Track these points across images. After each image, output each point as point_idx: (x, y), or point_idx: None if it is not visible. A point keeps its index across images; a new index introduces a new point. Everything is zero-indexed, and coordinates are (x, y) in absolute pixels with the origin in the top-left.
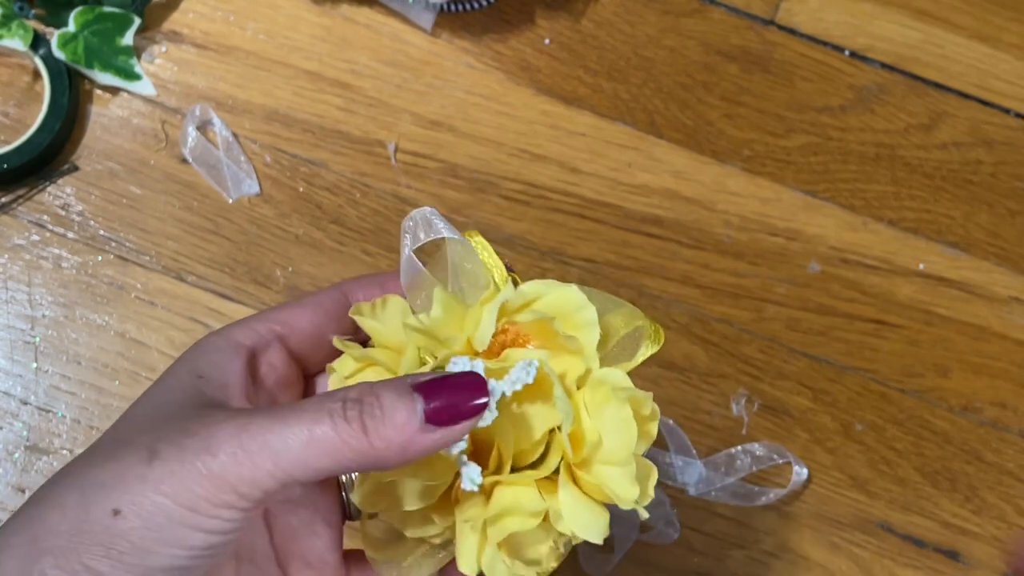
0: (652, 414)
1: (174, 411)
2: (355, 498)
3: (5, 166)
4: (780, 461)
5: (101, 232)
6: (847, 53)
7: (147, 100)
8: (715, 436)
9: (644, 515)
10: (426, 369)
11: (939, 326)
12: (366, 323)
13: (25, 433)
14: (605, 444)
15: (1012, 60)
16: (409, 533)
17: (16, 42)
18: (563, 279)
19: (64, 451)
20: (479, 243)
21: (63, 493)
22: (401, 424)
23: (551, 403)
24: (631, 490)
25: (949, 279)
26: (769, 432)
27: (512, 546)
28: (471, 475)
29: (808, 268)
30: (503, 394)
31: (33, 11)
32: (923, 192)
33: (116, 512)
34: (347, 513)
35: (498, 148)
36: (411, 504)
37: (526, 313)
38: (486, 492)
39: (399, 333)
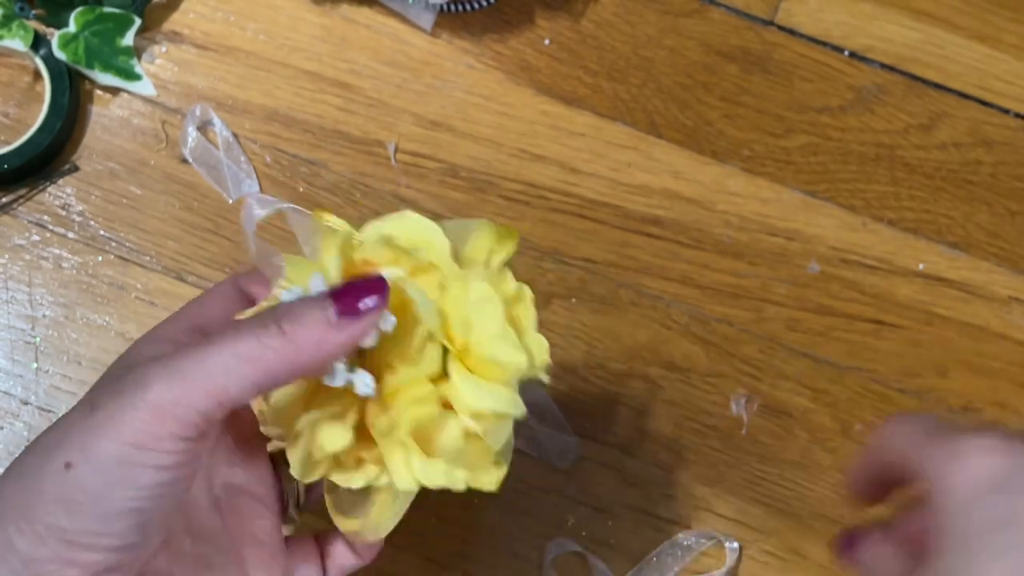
0: (519, 294)
1: (114, 372)
2: (293, 471)
3: (5, 166)
4: (709, 544)
5: (101, 232)
6: (847, 53)
7: (147, 100)
8: (715, 436)
9: (545, 378)
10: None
11: (939, 326)
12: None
13: (25, 433)
14: (475, 324)
15: (1012, 60)
16: (352, 482)
17: (16, 42)
18: (563, 279)
19: None
20: (324, 217)
21: (21, 463)
22: (315, 321)
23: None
24: (516, 355)
25: (949, 279)
26: (769, 432)
27: (431, 444)
28: (364, 380)
29: (808, 268)
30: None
31: (33, 11)
32: (923, 192)
33: (67, 465)
34: (285, 504)
35: (498, 148)
36: (333, 443)
37: (373, 243)
38: (386, 404)
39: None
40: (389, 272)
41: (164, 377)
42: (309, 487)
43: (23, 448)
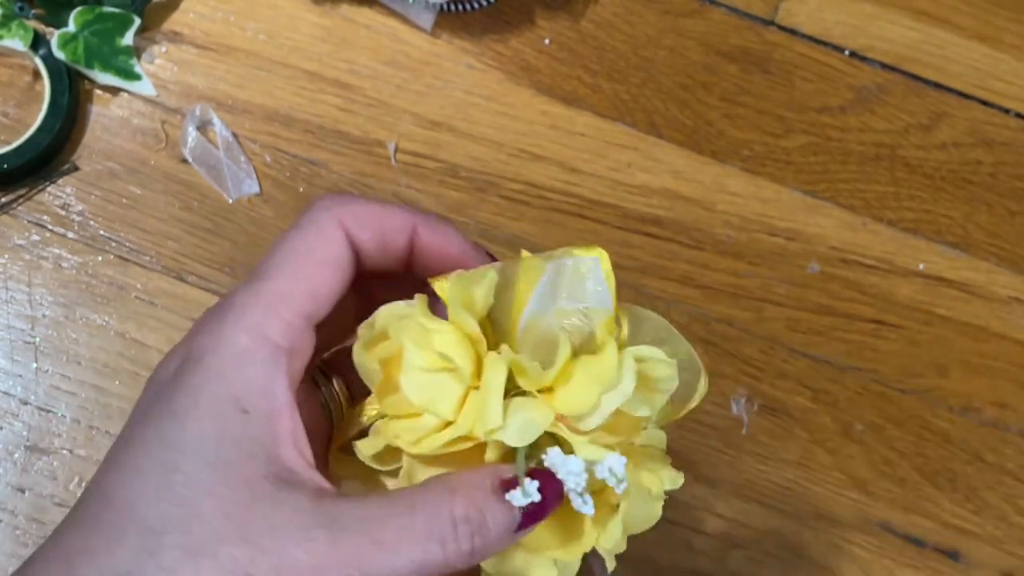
0: (658, 495)
1: (245, 497)
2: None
3: (5, 166)
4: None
5: (101, 232)
6: (847, 53)
7: (147, 100)
8: (715, 436)
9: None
10: (526, 440)
11: (939, 326)
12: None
13: (25, 433)
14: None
15: (1012, 60)
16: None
17: (16, 42)
18: None
19: (64, 451)
20: (608, 273)
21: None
22: (503, 536)
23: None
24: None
25: (949, 279)
26: (769, 432)
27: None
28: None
29: (808, 268)
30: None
31: (33, 11)
32: (923, 192)
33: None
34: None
35: (498, 148)
36: None
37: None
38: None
39: (468, 328)
40: (618, 455)
41: (331, 567)
42: None
43: (56, 468)
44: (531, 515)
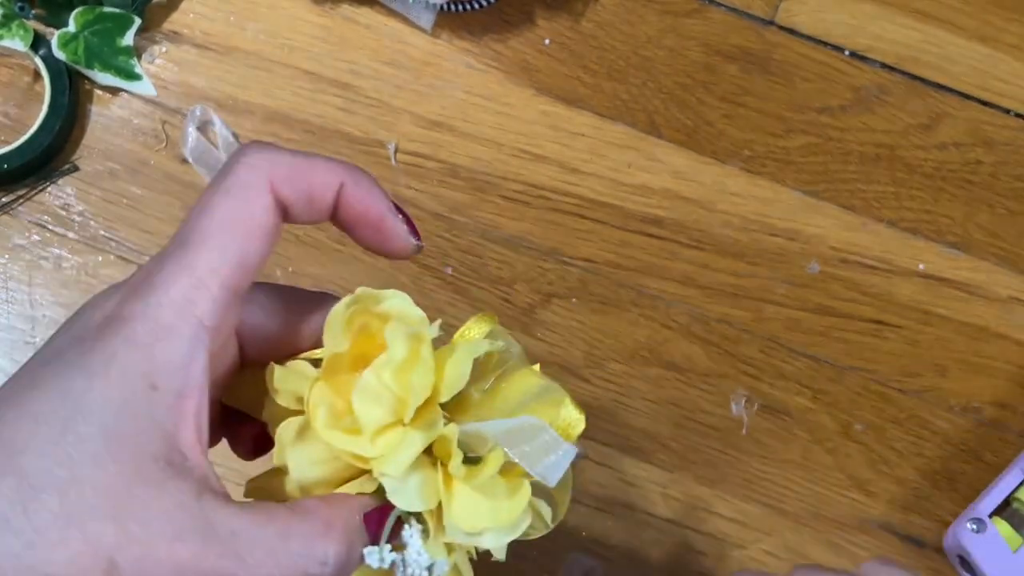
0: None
1: (130, 474)
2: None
3: (5, 166)
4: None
5: (102, 232)
6: (847, 53)
7: (147, 100)
8: (715, 436)
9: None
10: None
11: (938, 326)
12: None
13: None
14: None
15: (1012, 61)
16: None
17: (16, 42)
18: (563, 279)
19: None
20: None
21: (5, 557)
22: (354, 563)
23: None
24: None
25: (949, 279)
26: (769, 432)
27: None
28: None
29: (808, 268)
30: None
31: (33, 11)
32: (923, 192)
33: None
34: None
35: (498, 148)
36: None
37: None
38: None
39: (451, 381)
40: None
41: (193, 573)
42: None
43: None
44: (371, 532)
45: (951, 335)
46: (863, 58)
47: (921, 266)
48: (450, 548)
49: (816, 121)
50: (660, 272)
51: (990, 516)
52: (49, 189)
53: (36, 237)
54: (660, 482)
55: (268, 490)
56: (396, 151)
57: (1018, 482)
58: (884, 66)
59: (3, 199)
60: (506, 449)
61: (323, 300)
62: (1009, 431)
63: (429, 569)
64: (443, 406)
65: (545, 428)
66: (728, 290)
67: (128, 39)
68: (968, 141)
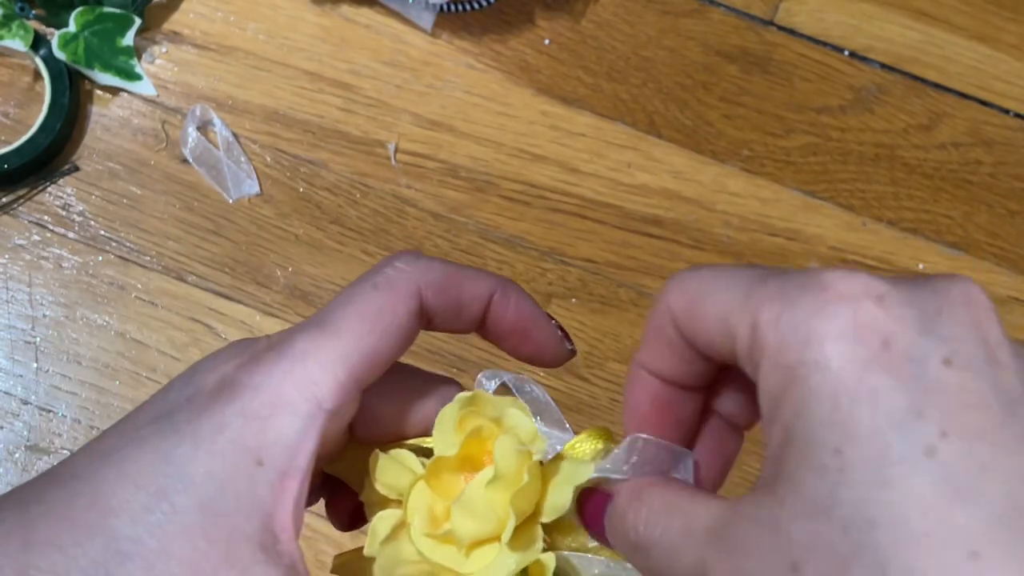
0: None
1: (222, 556)
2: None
3: (6, 166)
4: None
5: (102, 232)
6: (847, 53)
7: (147, 100)
8: None
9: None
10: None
11: None
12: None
13: (26, 433)
14: None
15: (1011, 60)
16: None
17: (17, 42)
18: (563, 279)
19: (64, 451)
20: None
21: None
22: None
23: None
24: None
25: None
26: None
27: None
28: None
29: (808, 268)
30: None
31: (34, 11)
32: (922, 192)
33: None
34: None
35: (498, 148)
36: None
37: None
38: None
39: (554, 508)
40: None
41: None
42: None
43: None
44: None
45: None
46: (862, 58)
47: (921, 266)
48: None
49: (816, 121)
50: (660, 272)
51: None
52: (49, 189)
53: (36, 237)
54: None
55: (354, 571)
56: (396, 151)
57: None
58: (883, 66)
59: (3, 199)
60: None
61: (439, 386)
62: None
63: None
64: (544, 526)
65: None
66: None
67: (128, 39)
68: (968, 141)
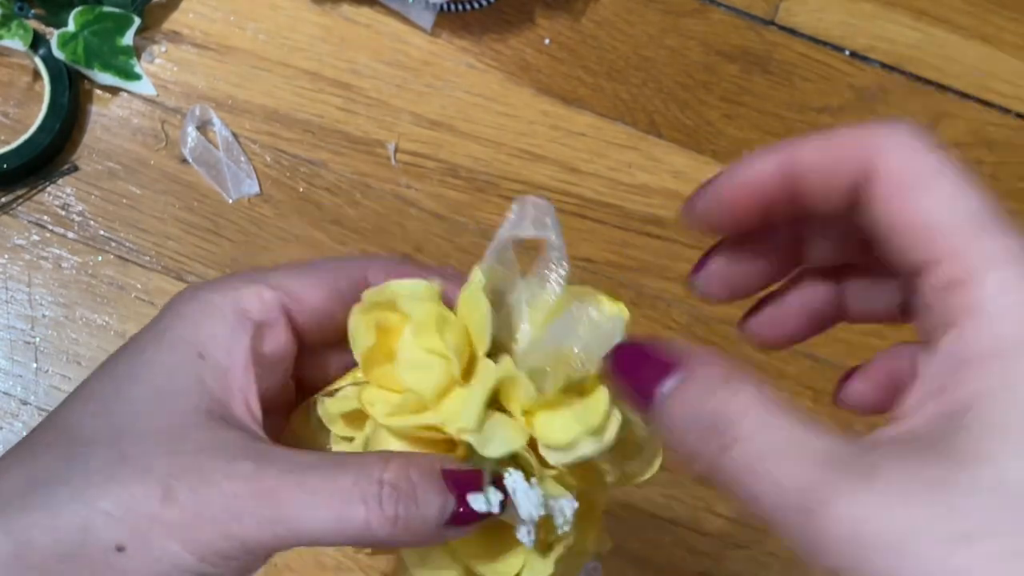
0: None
1: (181, 420)
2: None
3: (5, 166)
4: None
5: (101, 232)
6: (847, 53)
7: (147, 100)
8: None
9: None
10: (495, 452)
11: None
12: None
13: (25, 433)
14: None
15: (1013, 60)
16: None
17: (16, 42)
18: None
19: None
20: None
21: (58, 506)
22: (428, 520)
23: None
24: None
25: None
26: None
27: None
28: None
29: None
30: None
31: (33, 11)
32: None
33: (119, 548)
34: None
35: (498, 148)
36: None
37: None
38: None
39: (479, 337)
40: (572, 498)
41: (257, 516)
42: None
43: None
44: (465, 516)
45: None
46: (863, 58)
47: None
48: (567, 486)
49: (816, 121)
50: (660, 272)
51: None
52: (48, 189)
53: (36, 237)
54: (660, 482)
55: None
56: (396, 151)
57: None
58: (884, 66)
59: (3, 199)
60: (561, 347)
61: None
62: None
63: (549, 508)
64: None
65: (584, 308)
66: None
67: (128, 39)
68: (969, 141)
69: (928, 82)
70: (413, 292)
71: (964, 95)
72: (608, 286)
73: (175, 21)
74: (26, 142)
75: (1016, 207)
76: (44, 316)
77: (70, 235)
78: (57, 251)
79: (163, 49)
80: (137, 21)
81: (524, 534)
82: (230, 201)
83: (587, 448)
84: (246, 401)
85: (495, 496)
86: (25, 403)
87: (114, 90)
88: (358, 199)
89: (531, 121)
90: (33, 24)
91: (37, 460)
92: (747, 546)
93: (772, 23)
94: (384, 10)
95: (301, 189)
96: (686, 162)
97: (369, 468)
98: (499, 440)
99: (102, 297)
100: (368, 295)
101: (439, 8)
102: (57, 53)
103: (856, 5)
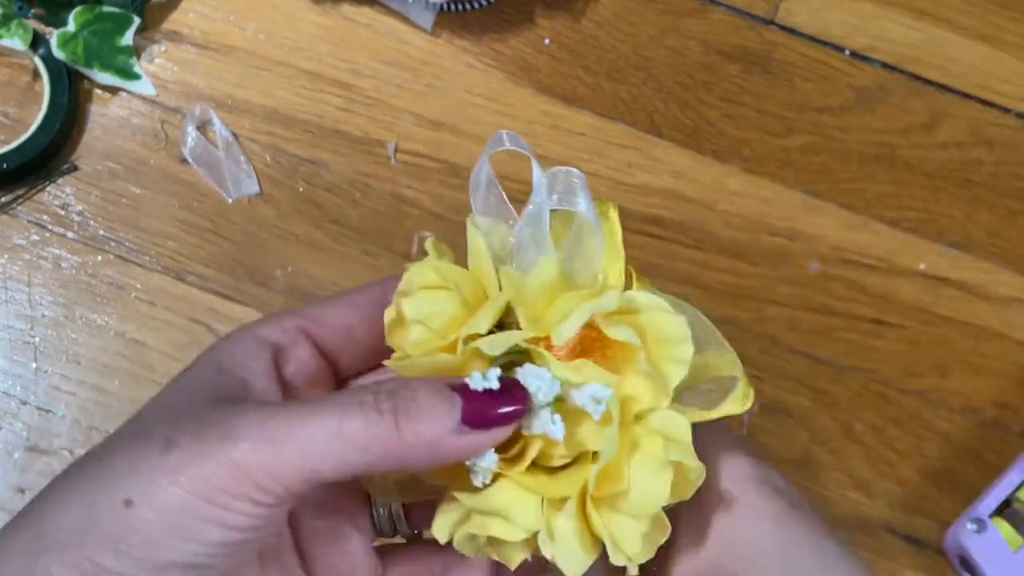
0: (696, 480)
1: (191, 404)
2: (441, 536)
3: (5, 166)
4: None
5: (101, 232)
6: (847, 53)
7: (147, 100)
8: None
9: (633, 572)
10: (499, 348)
11: (939, 326)
12: (476, 233)
13: (25, 433)
14: (631, 495)
15: (1012, 60)
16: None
17: (16, 42)
18: None
19: (64, 451)
20: (612, 223)
21: (71, 487)
22: (435, 421)
23: (598, 429)
24: (635, 547)
25: (949, 279)
26: (769, 432)
27: (489, 542)
28: (485, 465)
29: (808, 268)
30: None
31: (33, 11)
32: (923, 192)
33: (127, 503)
34: (377, 528)
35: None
36: (526, 524)
37: (621, 328)
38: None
39: (485, 273)
40: (609, 376)
41: (256, 436)
42: (407, 507)
43: (71, 461)
44: (479, 415)
45: (952, 335)
46: (863, 57)
47: (922, 266)
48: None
49: (816, 121)
50: (660, 272)
51: (991, 516)
52: (48, 189)
53: (35, 237)
54: None
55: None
56: (396, 151)
57: (1019, 482)
58: (884, 65)
59: (2, 199)
60: (549, 206)
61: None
62: (1009, 431)
63: (572, 397)
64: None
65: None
66: (729, 290)
67: (128, 39)
68: (969, 140)
69: (928, 82)
70: (420, 269)
71: (964, 95)
72: None
73: (175, 21)
74: (26, 142)
75: (1016, 207)
76: (44, 316)
77: (70, 235)
78: (57, 251)
79: (163, 49)
80: (137, 21)
81: (549, 423)
82: (230, 201)
83: (585, 312)
84: (268, 382)
85: (492, 373)
86: (25, 403)
87: (114, 90)
88: (358, 199)
89: (531, 121)
90: (33, 24)
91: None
92: None
93: (772, 23)
94: (384, 10)
95: (301, 189)
96: (686, 162)
97: (362, 388)
98: (502, 338)
99: (102, 297)
100: (395, 295)
101: (439, 8)
102: (57, 53)
103: (856, 5)
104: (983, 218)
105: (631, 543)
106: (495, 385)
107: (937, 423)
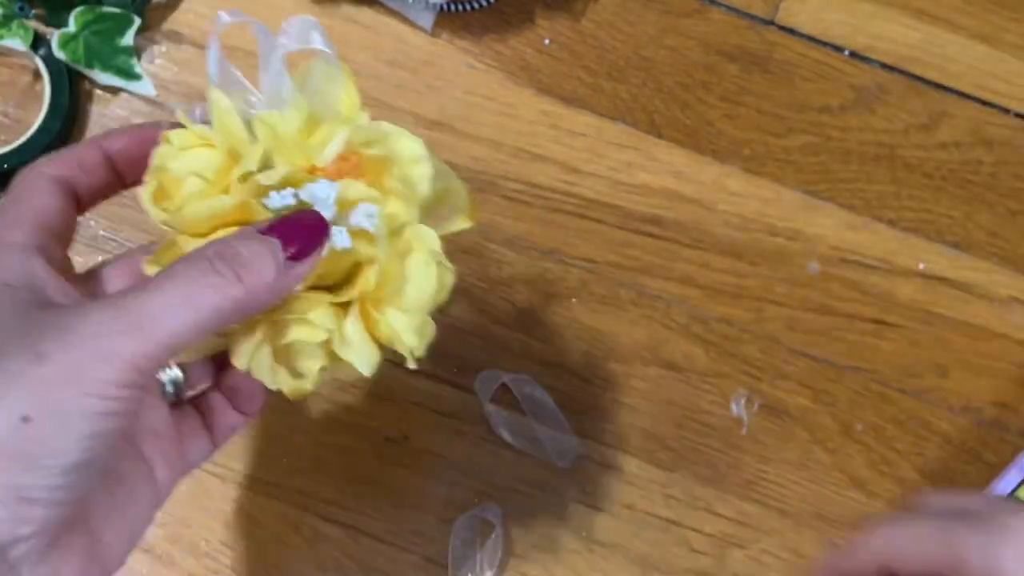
0: (449, 283)
1: (15, 317)
2: (240, 364)
3: (5, 166)
4: None
5: (101, 232)
6: (847, 53)
7: (147, 100)
8: (715, 436)
9: (412, 365)
10: (274, 178)
11: (939, 326)
12: (218, 93)
13: None
14: (406, 292)
15: (1012, 60)
16: (311, 337)
17: (16, 42)
18: (563, 279)
19: None
20: (347, 72)
21: None
22: (267, 264)
23: (371, 240)
24: (413, 339)
25: (949, 279)
26: (769, 432)
27: (286, 355)
28: (343, 236)
29: (808, 268)
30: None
31: (33, 11)
32: (923, 192)
33: (25, 419)
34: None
35: (498, 148)
36: (312, 336)
37: (376, 147)
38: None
39: (237, 128)
40: (371, 193)
41: (121, 326)
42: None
43: None
44: (296, 244)
45: (951, 335)
46: (863, 58)
47: (921, 266)
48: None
49: (816, 120)
50: (660, 272)
51: None
52: None
53: None
54: (660, 482)
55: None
56: None
57: (1018, 482)
58: (884, 65)
59: (3, 199)
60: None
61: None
62: (1009, 431)
63: (351, 217)
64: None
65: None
66: (728, 290)
67: (128, 39)
68: (968, 140)
69: (928, 82)
70: (180, 132)
71: (964, 95)
72: (608, 286)
73: (175, 21)
74: (26, 142)
75: (1015, 207)
76: None
77: None
78: None
79: (163, 49)
80: (137, 21)
81: (336, 234)
82: None
83: (343, 134)
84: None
85: (286, 191)
86: None
87: (114, 90)
88: None
89: (531, 121)
90: (33, 24)
91: None
92: (747, 546)
93: (772, 23)
94: (384, 10)
95: None
96: (686, 162)
97: (192, 259)
98: (276, 171)
99: None
100: (145, 177)
101: (439, 8)
102: (57, 53)
103: (856, 5)
104: (982, 218)
105: (410, 336)
106: (291, 200)
107: (937, 423)
